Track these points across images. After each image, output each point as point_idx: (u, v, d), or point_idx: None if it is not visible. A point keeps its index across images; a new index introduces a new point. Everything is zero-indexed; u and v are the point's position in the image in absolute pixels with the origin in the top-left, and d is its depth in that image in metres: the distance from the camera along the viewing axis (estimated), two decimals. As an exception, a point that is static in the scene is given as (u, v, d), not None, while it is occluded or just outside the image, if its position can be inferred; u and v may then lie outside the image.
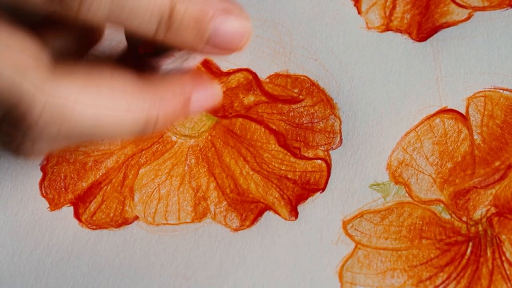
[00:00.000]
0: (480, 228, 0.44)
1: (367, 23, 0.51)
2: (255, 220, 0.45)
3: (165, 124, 0.41)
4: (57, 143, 0.39)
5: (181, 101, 0.41)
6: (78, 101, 0.38)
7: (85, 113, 0.38)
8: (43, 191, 0.47)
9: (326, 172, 0.46)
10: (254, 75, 0.50)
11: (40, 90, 0.37)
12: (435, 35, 0.51)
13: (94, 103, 0.38)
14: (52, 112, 0.37)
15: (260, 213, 0.45)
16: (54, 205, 0.46)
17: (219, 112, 0.49)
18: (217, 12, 0.40)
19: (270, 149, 0.47)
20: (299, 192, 0.46)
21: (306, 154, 0.47)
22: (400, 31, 0.51)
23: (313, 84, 0.49)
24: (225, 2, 0.40)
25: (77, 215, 0.46)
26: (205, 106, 0.43)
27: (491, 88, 0.48)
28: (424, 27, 0.51)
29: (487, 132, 0.47)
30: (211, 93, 0.43)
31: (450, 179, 0.46)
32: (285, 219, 0.45)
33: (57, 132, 0.38)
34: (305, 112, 0.49)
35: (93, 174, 0.47)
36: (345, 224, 0.45)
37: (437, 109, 0.48)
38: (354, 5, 0.52)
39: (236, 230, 0.45)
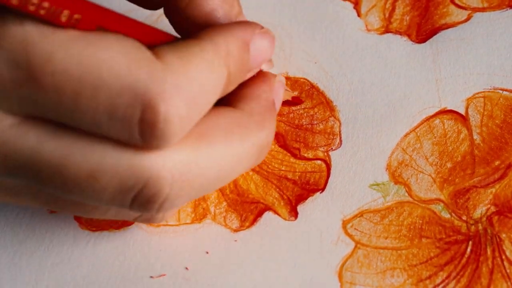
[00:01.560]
0: (480, 227, 0.44)
1: (366, 25, 0.52)
2: (255, 220, 0.45)
3: (273, 136, 0.42)
4: (189, 200, 0.39)
5: (270, 109, 0.42)
6: (198, 161, 0.38)
7: (207, 174, 0.38)
8: (44, 193, 0.47)
9: (326, 172, 0.46)
10: (254, 76, 0.50)
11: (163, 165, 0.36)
12: (434, 37, 0.51)
13: (211, 158, 0.38)
14: (181, 182, 0.37)
15: (260, 214, 0.45)
16: (55, 207, 0.46)
17: (219, 114, 0.49)
18: (251, 39, 0.40)
19: (270, 149, 0.47)
20: (299, 192, 0.46)
21: (306, 155, 0.47)
22: (400, 33, 0.51)
23: (312, 86, 0.50)
24: (252, 26, 0.40)
25: (77, 217, 0.46)
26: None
27: (490, 89, 0.48)
28: (423, 28, 0.51)
29: (486, 132, 0.47)
30: (281, 85, 0.44)
31: (450, 178, 0.46)
32: (285, 219, 0.45)
33: (188, 197, 0.38)
34: (305, 114, 0.49)
35: (93, 176, 0.47)
36: (344, 223, 0.45)
37: (437, 110, 0.48)
38: (354, 7, 0.52)
39: (236, 230, 0.45)
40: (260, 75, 0.42)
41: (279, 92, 0.43)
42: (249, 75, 0.41)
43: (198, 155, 0.37)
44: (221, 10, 0.41)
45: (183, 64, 0.36)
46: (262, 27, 0.41)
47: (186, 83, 0.35)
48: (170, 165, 0.36)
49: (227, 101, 0.41)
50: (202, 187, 0.38)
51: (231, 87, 0.39)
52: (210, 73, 0.37)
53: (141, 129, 0.35)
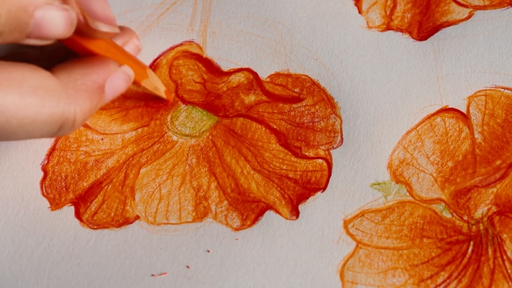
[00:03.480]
0: (481, 227, 0.44)
1: (367, 22, 0.51)
2: (256, 219, 0.45)
3: (85, 116, 0.42)
4: None
5: (95, 90, 0.42)
6: None
7: None
8: (44, 191, 0.47)
9: (327, 171, 0.46)
10: (255, 74, 0.50)
11: None
12: (435, 34, 0.51)
13: (3, 103, 0.39)
14: None
15: (261, 213, 0.45)
16: (55, 204, 0.46)
17: (220, 112, 0.49)
18: (38, 7, 0.39)
19: (271, 148, 0.47)
20: (300, 191, 0.46)
21: (307, 154, 0.47)
22: (401, 30, 0.51)
23: (313, 83, 0.49)
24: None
25: (78, 215, 0.46)
26: (120, 89, 0.44)
27: (492, 87, 0.48)
28: (424, 26, 0.51)
29: (488, 131, 0.47)
30: (123, 75, 0.44)
31: (451, 178, 0.46)
32: (286, 218, 0.45)
33: None
34: (306, 112, 0.49)
35: (94, 173, 0.47)
36: (346, 223, 0.45)
37: (438, 108, 0.48)
38: (355, 4, 0.52)
39: (237, 229, 0.45)
40: (103, 60, 0.43)
41: (116, 82, 0.44)
42: (29, 41, 0.41)
43: None
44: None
45: None
46: (62, 2, 0.41)
47: None
48: None
49: (56, 68, 0.42)
50: None
51: None
52: None
53: None
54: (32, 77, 0.40)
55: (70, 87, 0.41)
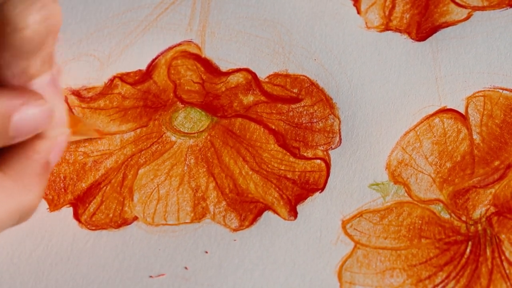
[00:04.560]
0: (480, 228, 0.44)
1: (366, 22, 0.51)
2: (254, 220, 0.45)
3: (41, 197, 0.41)
4: None
5: (43, 169, 0.41)
6: None
7: None
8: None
9: (325, 172, 0.46)
10: (254, 75, 0.50)
11: None
12: (434, 35, 0.51)
13: None
14: None
15: (259, 213, 0.45)
16: (54, 205, 0.46)
17: (219, 112, 0.49)
18: (13, 111, 0.39)
19: (269, 149, 0.47)
20: (298, 192, 0.46)
21: (305, 154, 0.47)
22: (400, 31, 0.51)
23: (312, 83, 0.49)
24: (19, 97, 0.39)
25: (76, 216, 0.46)
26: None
27: (490, 88, 0.48)
28: (423, 26, 0.51)
29: (486, 132, 0.47)
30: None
31: (449, 178, 0.46)
32: (284, 219, 0.45)
33: None
34: (304, 112, 0.49)
35: (92, 174, 0.47)
36: (344, 223, 0.45)
37: (437, 108, 0.48)
38: (354, 4, 0.52)
39: (235, 230, 0.45)
40: (36, 136, 0.41)
41: (58, 150, 0.42)
42: (13, 141, 0.40)
43: None
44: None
45: None
46: (36, 98, 0.40)
47: None
48: None
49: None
50: None
51: None
52: None
53: None
54: None
55: (20, 178, 0.40)
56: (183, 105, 0.49)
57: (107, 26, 0.51)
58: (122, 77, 0.50)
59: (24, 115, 0.39)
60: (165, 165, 0.47)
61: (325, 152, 0.47)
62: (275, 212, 0.45)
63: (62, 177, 0.47)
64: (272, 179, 0.46)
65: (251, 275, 0.44)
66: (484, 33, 0.50)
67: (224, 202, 0.46)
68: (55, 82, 0.42)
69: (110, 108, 0.49)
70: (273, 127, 0.48)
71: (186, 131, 0.48)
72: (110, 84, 0.50)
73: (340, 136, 0.48)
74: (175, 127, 0.48)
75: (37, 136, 0.41)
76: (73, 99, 0.49)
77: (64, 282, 0.44)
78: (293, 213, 0.45)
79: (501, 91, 0.48)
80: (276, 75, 0.50)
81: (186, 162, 0.47)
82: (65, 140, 0.42)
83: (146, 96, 0.49)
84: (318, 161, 0.47)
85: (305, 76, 0.50)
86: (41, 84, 0.41)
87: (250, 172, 0.47)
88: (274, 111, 0.49)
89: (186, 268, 0.44)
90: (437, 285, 0.43)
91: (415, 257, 0.44)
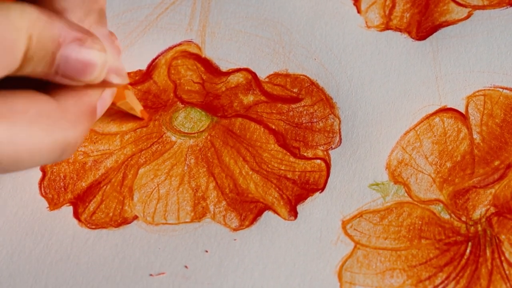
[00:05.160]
0: (480, 228, 0.44)
1: (366, 22, 0.51)
2: (254, 220, 0.45)
3: (83, 139, 0.41)
4: None
5: (90, 112, 0.41)
6: None
7: (2, 149, 0.38)
8: (43, 191, 0.47)
9: (326, 172, 0.46)
10: (254, 74, 0.50)
11: None
12: (434, 34, 0.50)
13: (10, 138, 0.38)
14: None
15: (260, 213, 0.45)
16: (54, 204, 0.46)
17: (219, 112, 0.49)
18: (66, 40, 0.38)
19: (269, 149, 0.47)
20: (299, 192, 0.46)
21: (305, 154, 0.47)
22: (400, 30, 0.51)
23: (312, 83, 0.49)
24: (78, 31, 0.39)
25: (76, 215, 0.46)
26: (106, 108, 0.43)
27: (490, 87, 0.48)
28: (423, 26, 0.51)
29: (486, 131, 0.47)
30: (109, 94, 0.43)
31: (449, 178, 0.46)
32: (285, 219, 0.45)
33: None
34: (305, 112, 0.49)
35: (92, 174, 0.47)
36: (344, 224, 0.45)
37: (437, 108, 0.48)
38: (354, 4, 0.52)
39: (235, 230, 0.45)
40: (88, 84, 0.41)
41: (104, 102, 0.43)
42: (64, 75, 0.40)
43: None
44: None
45: None
46: (94, 40, 0.40)
47: None
48: None
49: (52, 91, 0.40)
50: None
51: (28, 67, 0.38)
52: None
53: None
54: (33, 104, 0.39)
55: (70, 112, 0.40)
56: (183, 105, 0.49)
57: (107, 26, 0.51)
58: (122, 76, 0.50)
59: (74, 52, 0.39)
60: (165, 165, 0.47)
61: (325, 152, 0.47)
62: (275, 212, 0.45)
63: (62, 176, 0.47)
64: (272, 179, 0.46)
65: (251, 275, 0.44)
66: (484, 32, 0.50)
67: (224, 202, 0.46)
68: (113, 39, 0.43)
69: (110, 108, 0.49)
70: (273, 127, 0.48)
71: (186, 131, 0.48)
72: (110, 83, 0.50)
73: (340, 136, 0.48)
74: (175, 127, 0.48)
75: (89, 85, 0.41)
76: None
77: (64, 280, 0.44)
78: (293, 213, 0.45)
79: (501, 90, 0.48)
80: (276, 74, 0.50)
81: (186, 162, 0.47)
82: (111, 95, 0.43)
83: (146, 96, 0.49)
84: (318, 161, 0.47)
85: (305, 76, 0.50)
86: (101, 33, 0.41)
87: (250, 172, 0.47)
88: (274, 111, 0.49)
89: (186, 267, 0.44)
90: (437, 285, 0.43)
91: (415, 258, 0.44)
